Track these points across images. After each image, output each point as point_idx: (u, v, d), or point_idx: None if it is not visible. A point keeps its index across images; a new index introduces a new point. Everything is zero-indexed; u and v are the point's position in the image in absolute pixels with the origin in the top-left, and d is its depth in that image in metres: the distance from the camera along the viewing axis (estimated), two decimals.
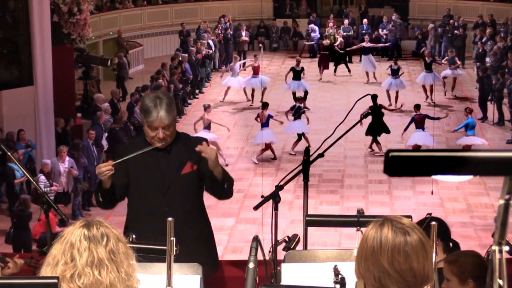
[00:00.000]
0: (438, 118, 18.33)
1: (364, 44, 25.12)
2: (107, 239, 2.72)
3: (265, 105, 18.26)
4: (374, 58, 25.05)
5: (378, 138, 18.13)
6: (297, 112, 18.33)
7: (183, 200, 4.97)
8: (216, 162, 4.81)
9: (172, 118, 4.89)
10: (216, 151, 4.88)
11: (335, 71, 25.21)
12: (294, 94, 21.42)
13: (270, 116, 17.93)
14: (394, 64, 22.12)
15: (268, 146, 17.74)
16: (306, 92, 21.60)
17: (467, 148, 17.09)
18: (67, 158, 14.80)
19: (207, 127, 17.81)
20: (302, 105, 18.77)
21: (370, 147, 18.25)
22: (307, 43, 27.53)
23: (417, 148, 17.44)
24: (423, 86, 22.02)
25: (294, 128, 18.26)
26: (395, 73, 21.78)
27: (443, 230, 5.10)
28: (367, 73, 24.60)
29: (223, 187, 4.92)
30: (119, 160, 4.78)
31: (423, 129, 17.81)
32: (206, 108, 18.22)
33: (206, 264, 4.51)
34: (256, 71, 22.23)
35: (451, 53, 23.52)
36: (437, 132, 18.31)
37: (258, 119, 17.99)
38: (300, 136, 18.10)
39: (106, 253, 2.70)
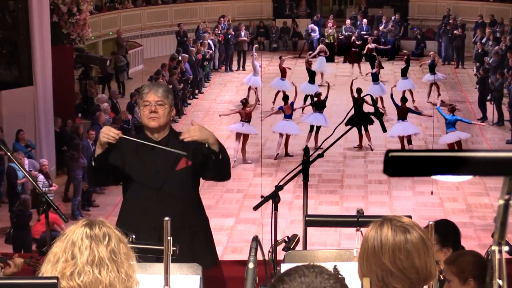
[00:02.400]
0: (420, 113, 18.46)
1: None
2: (109, 239, 2.72)
3: (287, 98, 18.49)
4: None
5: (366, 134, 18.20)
6: (321, 105, 18.53)
7: (177, 196, 4.98)
8: (204, 136, 4.77)
9: (165, 97, 4.99)
10: (200, 127, 4.81)
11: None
12: (311, 97, 21.48)
13: (291, 104, 18.26)
14: (376, 69, 21.88)
15: (287, 139, 17.96)
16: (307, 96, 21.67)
17: (451, 146, 17.00)
18: (26, 161, 14.71)
19: (248, 120, 17.86)
20: (323, 97, 18.84)
21: (360, 145, 18.26)
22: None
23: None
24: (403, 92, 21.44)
25: (319, 119, 18.32)
26: (375, 78, 21.64)
27: (455, 236, 5.09)
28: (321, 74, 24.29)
29: (221, 162, 4.87)
30: (127, 137, 4.83)
31: (403, 120, 17.89)
32: (244, 103, 18.24)
33: (204, 259, 4.52)
34: (284, 74, 22.18)
35: (433, 56, 23.09)
36: (437, 132, 18.31)
37: (281, 111, 18.17)
38: (312, 128, 18.25)
39: (107, 252, 2.70)
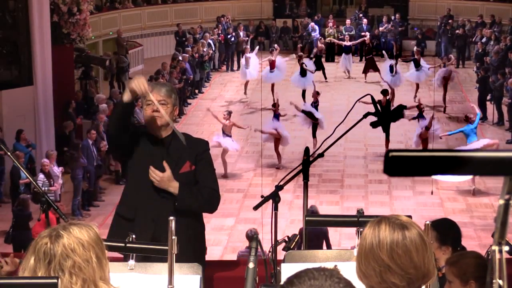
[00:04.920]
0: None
1: (344, 43, 25.62)
2: (50, 259, 2.68)
3: (276, 106, 18.12)
4: (352, 58, 25.67)
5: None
6: (313, 107, 18.36)
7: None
8: (164, 184, 4.92)
9: (168, 97, 5.00)
10: (166, 179, 4.92)
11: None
12: (303, 91, 21.76)
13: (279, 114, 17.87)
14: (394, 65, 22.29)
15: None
16: (304, 90, 21.79)
17: None
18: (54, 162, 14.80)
19: (228, 134, 17.05)
20: (317, 100, 18.70)
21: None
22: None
23: None
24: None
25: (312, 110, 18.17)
26: (392, 69, 22.14)
27: (455, 235, 5.09)
28: (345, 71, 25.24)
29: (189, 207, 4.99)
30: (155, 101, 4.86)
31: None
32: (227, 114, 17.37)
33: (196, 261, 4.53)
34: (273, 66, 22.45)
35: (417, 54, 22.79)
36: (437, 133, 18.28)
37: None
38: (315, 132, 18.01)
39: (45, 273, 2.67)
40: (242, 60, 23.45)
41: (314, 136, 18.06)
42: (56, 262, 2.68)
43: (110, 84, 22.39)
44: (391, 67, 21.99)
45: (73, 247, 2.70)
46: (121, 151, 5.15)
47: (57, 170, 14.77)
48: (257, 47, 23.72)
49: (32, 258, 2.69)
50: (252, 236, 12.08)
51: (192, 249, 4.96)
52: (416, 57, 22.28)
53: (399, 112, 17.81)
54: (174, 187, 4.91)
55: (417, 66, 22.04)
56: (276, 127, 17.53)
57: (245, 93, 22.77)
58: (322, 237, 11.88)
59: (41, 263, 2.68)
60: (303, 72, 21.82)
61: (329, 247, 12.15)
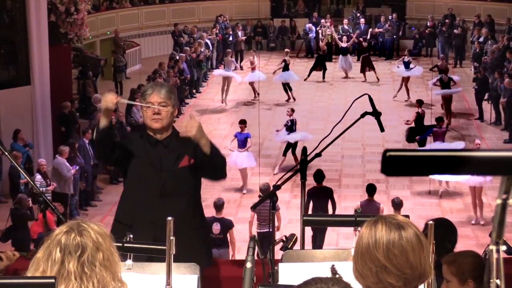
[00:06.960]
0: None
1: (342, 44, 25.26)
2: (82, 251, 2.69)
3: (244, 122, 16.76)
4: (352, 59, 25.50)
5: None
6: (290, 127, 17.27)
7: (178, 193, 4.99)
8: (198, 135, 4.75)
9: (168, 98, 5.00)
10: (198, 126, 4.74)
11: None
12: (283, 85, 22.16)
13: (247, 136, 16.41)
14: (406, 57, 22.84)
15: (244, 172, 16.16)
16: (289, 85, 22.09)
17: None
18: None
19: None
20: (293, 117, 17.35)
21: None
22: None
23: None
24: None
25: (288, 137, 17.13)
26: (406, 66, 22.55)
27: (453, 235, 5.09)
28: (345, 71, 25.00)
29: (212, 162, 4.87)
30: (127, 101, 4.88)
31: (443, 141, 16.37)
32: None
33: (201, 258, 4.53)
34: (254, 67, 22.66)
35: (442, 60, 22.86)
36: None
37: (232, 143, 16.34)
38: (287, 150, 17.05)
39: (77, 265, 2.68)
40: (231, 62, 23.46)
41: (292, 153, 16.95)
42: (88, 254, 2.70)
43: (105, 86, 22.34)
44: (406, 63, 22.47)
45: (100, 241, 2.74)
46: (116, 166, 5.20)
47: (70, 166, 14.74)
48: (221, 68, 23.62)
49: (57, 251, 2.70)
50: (266, 189, 12.29)
51: (197, 243, 4.98)
52: (440, 63, 22.40)
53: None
54: (206, 138, 4.82)
55: (441, 73, 21.88)
56: (236, 162, 15.93)
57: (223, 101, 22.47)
58: (327, 196, 12.75)
59: (72, 255, 2.69)
60: (285, 68, 22.07)
61: (334, 205, 12.98)
